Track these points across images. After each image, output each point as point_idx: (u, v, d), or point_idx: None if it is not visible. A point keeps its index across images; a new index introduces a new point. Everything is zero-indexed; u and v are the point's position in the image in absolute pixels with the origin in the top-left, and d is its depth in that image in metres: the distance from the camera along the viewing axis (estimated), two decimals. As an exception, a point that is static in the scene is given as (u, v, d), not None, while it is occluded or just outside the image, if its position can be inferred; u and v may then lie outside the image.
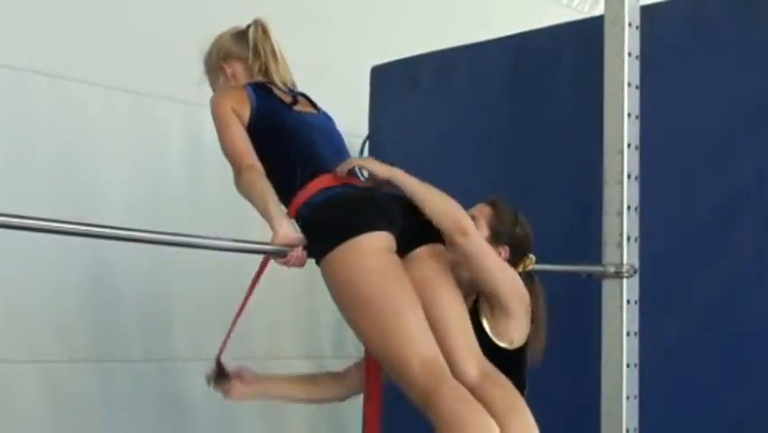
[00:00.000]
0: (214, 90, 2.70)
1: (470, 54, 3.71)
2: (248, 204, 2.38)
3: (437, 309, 2.35)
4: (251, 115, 2.47)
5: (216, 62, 2.68)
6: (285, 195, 2.43)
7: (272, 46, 2.66)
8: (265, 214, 2.31)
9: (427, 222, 2.46)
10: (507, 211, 2.62)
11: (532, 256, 2.63)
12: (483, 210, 2.62)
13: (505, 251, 2.57)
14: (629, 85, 3.04)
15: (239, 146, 2.43)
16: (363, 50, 4.24)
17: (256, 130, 2.46)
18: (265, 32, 2.66)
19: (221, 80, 2.68)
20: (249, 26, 2.68)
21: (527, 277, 2.59)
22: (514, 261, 2.58)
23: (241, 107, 2.47)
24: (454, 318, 2.38)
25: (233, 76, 2.65)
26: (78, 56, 3.68)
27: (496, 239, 2.56)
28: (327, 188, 2.40)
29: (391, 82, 3.95)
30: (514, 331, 2.46)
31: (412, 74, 3.87)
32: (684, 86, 3.07)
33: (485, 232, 2.55)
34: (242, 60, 2.65)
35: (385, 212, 2.35)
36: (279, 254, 2.29)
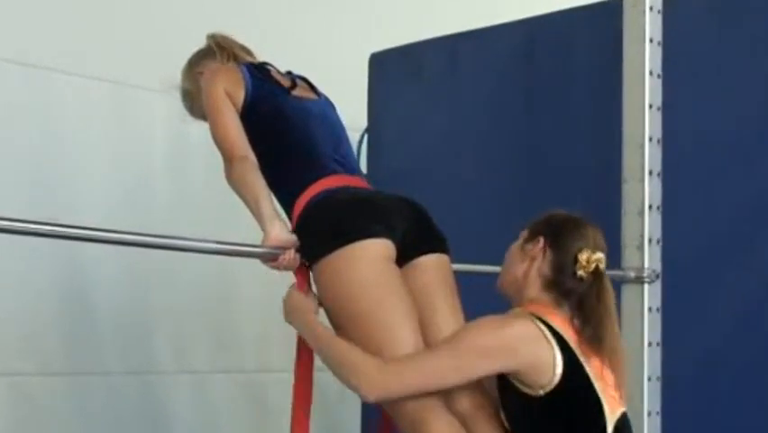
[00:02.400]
0: (201, 117, 2.69)
1: (477, 41, 3.71)
2: (237, 202, 2.38)
3: (433, 327, 2.33)
4: (245, 98, 2.46)
5: (191, 75, 2.68)
6: (280, 193, 2.42)
7: (236, 41, 2.72)
8: (256, 212, 2.31)
9: (432, 228, 2.45)
10: (559, 211, 2.36)
11: (589, 251, 2.23)
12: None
13: (539, 242, 2.27)
14: (650, 73, 3.04)
15: (231, 134, 2.41)
16: (362, 35, 4.25)
17: (250, 116, 2.45)
18: (224, 35, 2.73)
19: (198, 91, 2.62)
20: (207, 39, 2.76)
21: (593, 278, 2.24)
22: (559, 254, 2.25)
23: (234, 89, 2.46)
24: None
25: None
26: (53, 43, 3.70)
27: (532, 235, 2.30)
28: (326, 189, 2.39)
29: (392, 71, 3.95)
30: (536, 375, 2.11)
31: (415, 62, 3.87)
32: (710, 74, 3.06)
33: (522, 235, 2.33)
34: (212, 57, 2.68)
35: (384, 217, 2.34)
36: (270, 257, 2.29)
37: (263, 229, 2.29)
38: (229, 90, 2.45)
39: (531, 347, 2.09)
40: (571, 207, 3.25)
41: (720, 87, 3.05)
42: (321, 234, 2.31)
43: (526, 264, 2.26)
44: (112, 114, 3.87)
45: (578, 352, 2.12)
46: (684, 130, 3.06)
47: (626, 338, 2.97)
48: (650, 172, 3.02)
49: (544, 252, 2.25)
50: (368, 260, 2.27)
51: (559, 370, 2.08)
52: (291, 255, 2.29)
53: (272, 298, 4.01)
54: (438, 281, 2.40)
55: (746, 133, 3.00)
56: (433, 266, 2.40)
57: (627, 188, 3.04)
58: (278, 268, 2.31)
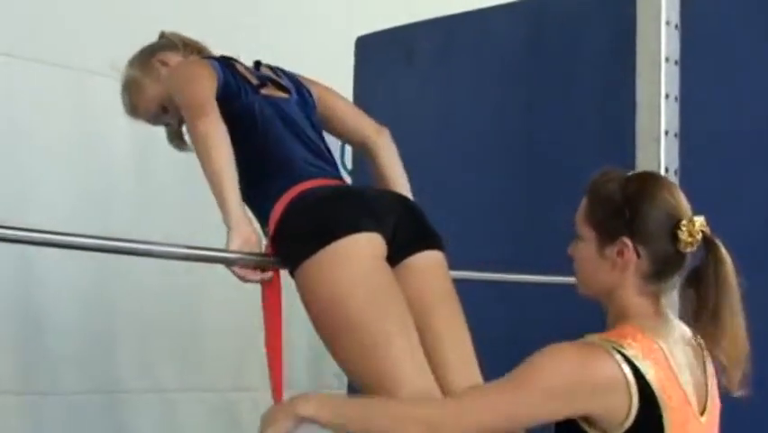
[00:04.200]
0: (145, 117, 2.67)
1: (475, 23, 3.71)
2: (210, 201, 2.31)
3: (433, 334, 2.32)
4: (217, 92, 2.42)
5: (146, 64, 2.64)
6: (251, 202, 2.40)
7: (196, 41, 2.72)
8: (219, 201, 2.25)
9: (425, 223, 2.44)
10: (606, 185, 2.10)
11: (685, 224, 2.03)
12: (579, 209, 2.14)
13: (627, 247, 2.03)
14: (667, 60, 3.04)
15: (207, 91, 2.37)
16: (347, 16, 4.23)
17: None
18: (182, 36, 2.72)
19: (152, 81, 2.61)
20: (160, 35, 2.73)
21: (704, 245, 2.06)
22: (656, 244, 2.04)
23: (210, 80, 2.43)
24: (453, 346, 2.35)
25: (168, 64, 2.62)
26: (5, 26, 3.65)
27: (607, 235, 2.06)
28: (303, 190, 2.37)
29: (380, 56, 3.95)
30: (606, 421, 1.98)
31: (406, 47, 3.87)
32: (733, 60, 3.06)
33: (590, 236, 2.09)
34: (174, 49, 2.66)
35: (374, 209, 2.33)
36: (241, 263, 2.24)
37: (227, 224, 2.24)
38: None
39: (611, 396, 1.95)
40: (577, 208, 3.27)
41: (744, 76, 3.04)
42: (302, 235, 2.29)
43: (617, 273, 2.06)
44: (70, 103, 3.86)
45: (658, 391, 1.98)
46: (704, 123, 3.05)
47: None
48: (666, 169, 3.01)
49: (637, 253, 2.03)
50: (356, 258, 2.25)
51: (631, 420, 1.95)
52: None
53: (247, 310, 4.02)
54: (434, 283, 2.39)
55: (773, 125, 3.00)
56: (428, 266, 2.40)
57: (641, 187, 3.04)
58: (242, 278, 2.27)
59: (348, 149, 3.95)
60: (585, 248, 2.10)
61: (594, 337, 2.03)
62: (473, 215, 3.51)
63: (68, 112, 3.86)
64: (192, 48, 2.68)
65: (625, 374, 1.95)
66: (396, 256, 2.35)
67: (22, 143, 3.70)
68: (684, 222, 2.02)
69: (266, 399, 4.07)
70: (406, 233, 2.37)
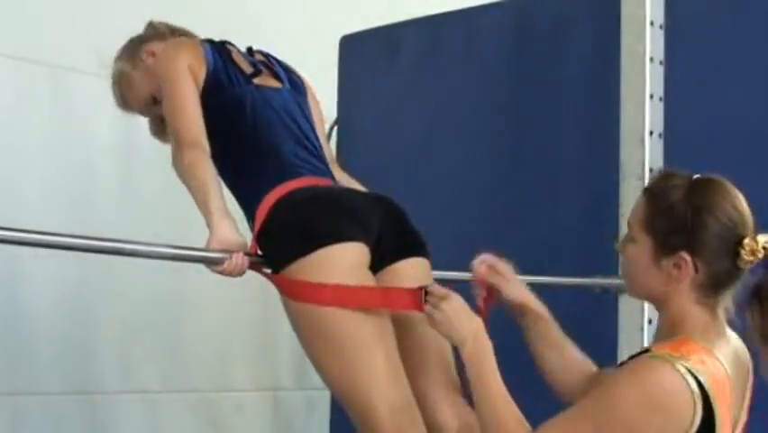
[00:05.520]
0: (136, 110, 2.70)
1: (461, 22, 3.72)
2: (189, 201, 2.35)
3: (412, 342, 2.35)
4: (206, 80, 2.44)
5: (134, 56, 2.65)
6: (239, 196, 2.43)
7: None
8: (203, 207, 2.28)
9: (411, 230, 2.45)
10: (671, 192, 2.01)
11: (748, 242, 1.97)
12: (636, 209, 2.07)
13: (685, 262, 1.97)
14: (652, 60, 3.06)
15: (188, 114, 2.38)
16: (331, 14, 4.23)
17: (207, 101, 2.43)
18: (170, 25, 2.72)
19: (140, 73, 2.63)
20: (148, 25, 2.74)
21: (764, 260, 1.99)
22: (715, 260, 1.97)
23: (197, 67, 2.45)
24: (433, 355, 2.35)
25: (156, 55, 2.63)
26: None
27: (666, 247, 2.00)
28: (292, 190, 2.39)
29: (366, 55, 3.95)
30: None
31: (392, 46, 3.87)
32: (717, 60, 3.07)
33: (645, 242, 2.03)
34: (161, 39, 2.66)
35: (358, 216, 2.34)
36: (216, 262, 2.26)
37: (209, 227, 2.26)
38: (192, 66, 2.44)
39: (677, 412, 1.89)
40: (565, 208, 3.29)
41: (728, 75, 3.06)
42: (286, 237, 2.30)
43: (672, 285, 2.01)
44: (49, 101, 3.84)
45: (716, 404, 1.91)
46: (688, 123, 3.06)
47: (624, 353, 2.98)
48: (650, 170, 3.02)
49: (695, 267, 1.98)
50: (340, 269, 2.26)
51: None
52: (239, 259, 2.25)
53: (231, 310, 4.04)
54: None
55: (758, 125, 3.01)
56: (411, 273, 2.40)
57: (626, 187, 3.05)
58: (222, 274, 2.27)
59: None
60: (638, 253, 2.04)
61: (663, 353, 1.94)
62: (458, 213, 3.51)
63: (50, 110, 3.83)
64: (179, 34, 2.68)
65: (693, 396, 1.88)
66: (380, 262, 2.37)
67: (2, 142, 3.68)
68: (747, 240, 1.96)
69: (249, 399, 4.13)
70: (391, 239, 2.38)
